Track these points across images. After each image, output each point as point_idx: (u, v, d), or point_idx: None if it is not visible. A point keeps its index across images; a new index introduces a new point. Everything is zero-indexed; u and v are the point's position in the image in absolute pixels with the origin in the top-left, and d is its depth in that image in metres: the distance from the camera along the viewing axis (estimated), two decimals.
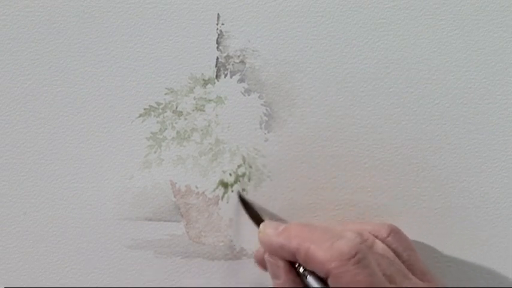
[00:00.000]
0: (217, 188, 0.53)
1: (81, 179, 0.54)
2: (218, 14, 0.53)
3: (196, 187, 0.53)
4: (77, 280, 0.54)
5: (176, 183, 0.54)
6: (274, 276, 0.47)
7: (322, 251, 0.43)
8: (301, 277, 0.46)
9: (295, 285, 0.46)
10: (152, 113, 0.53)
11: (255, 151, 0.53)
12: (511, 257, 0.54)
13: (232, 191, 0.53)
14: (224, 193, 0.53)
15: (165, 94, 0.53)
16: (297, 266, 0.46)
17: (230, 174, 0.53)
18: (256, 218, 0.51)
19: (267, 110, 0.53)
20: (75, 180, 0.54)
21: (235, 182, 0.53)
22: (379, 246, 0.47)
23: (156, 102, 0.53)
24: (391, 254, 0.47)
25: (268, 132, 0.53)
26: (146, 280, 0.54)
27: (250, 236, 0.53)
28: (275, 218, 0.53)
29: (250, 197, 0.53)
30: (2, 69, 0.53)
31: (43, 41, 0.53)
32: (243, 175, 0.53)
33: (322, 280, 0.44)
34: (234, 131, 0.53)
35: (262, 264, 0.49)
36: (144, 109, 0.53)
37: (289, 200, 0.53)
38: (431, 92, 0.53)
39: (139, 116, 0.53)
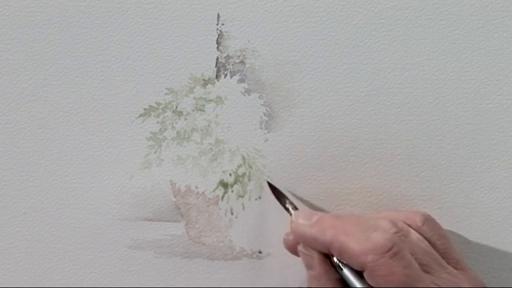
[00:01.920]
0: (217, 188, 0.53)
1: (81, 179, 0.54)
2: (218, 14, 0.53)
3: (196, 187, 0.53)
4: (77, 280, 0.54)
5: (176, 183, 0.54)
6: (308, 266, 0.47)
7: (357, 244, 0.43)
8: (336, 269, 0.45)
9: (330, 276, 0.45)
10: (152, 113, 0.53)
11: (255, 151, 0.53)
12: (511, 257, 0.54)
13: (232, 191, 0.53)
14: (224, 193, 0.53)
15: (165, 94, 0.53)
16: (334, 259, 0.45)
17: (230, 174, 0.53)
18: (289, 206, 0.50)
19: (267, 110, 0.53)
20: (75, 180, 0.54)
21: (235, 182, 0.53)
22: (414, 235, 0.46)
23: (156, 102, 0.53)
24: (426, 244, 0.46)
25: (268, 132, 0.53)
26: (146, 280, 0.54)
27: (274, 239, 0.53)
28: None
29: (247, 196, 0.53)
30: (2, 69, 0.53)
31: (43, 41, 0.53)
32: (243, 175, 0.53)
33: (358, 272, 0.44)
34: (234, 131, 0.53)
35: (293, 251, 0.48)
36: (144, 109, 0.53)
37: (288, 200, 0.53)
38: (431, 92, 0.53)
39: (139, 116, 0.53)
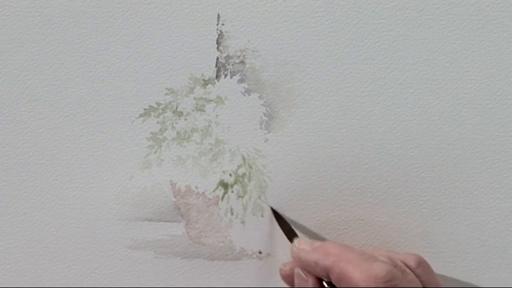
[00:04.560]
0: (217, 188, 0.53)
1: (81, 179, 0.54)
2: (218, 14, 0.53)
3: (196, 187, 0.53)
4: (77, 280, 0.54)
5: (176, 183, 0.54)
6: None
7: (359, 272, 0.44)
8: None
9: None
10: (152, 113, 0.53)
11: (255, 151, 0.53)
12: (511, 257, 0.54)
13: (232, 192, 0.53)
14: (224, 193, 0.53)
15: (165, 94, 0.53)
16: (325, 285, 0.46)
17: (230, 175, 0.53)
18: (289, 232, 0.52)
19: (267, 110, 0.53)
20: (75, 180, 0.54)
21: (235, 182, 0.53)
22: (410, 275, 0.47)
23: (156, 103, 0.53)
24: (419, 285, 0.47)
25: (268, 132, 0.53)
26: (146, 280, 0.54)
27: (274, 239, 0.53)
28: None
29: (248, 196, 0.53)
30: (2, 69, 0.53)
31: (43, 41, 0.53)
32: (243, 175, 0.53)
33: None
34: (234, 131, 0.53)
35: (287, 279, 0.50)
36: (144, 109, 0.53)
37: (288, 200, 0.53)
38: (431, 92, 0.53)
39: (139, 116, 0.53)
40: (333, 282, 0.45)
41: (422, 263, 0.48)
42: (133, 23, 0.53)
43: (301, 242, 0.49)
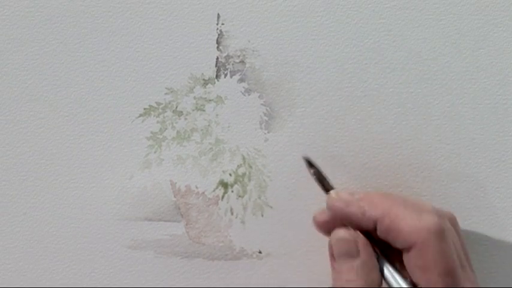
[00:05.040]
0: (217, 188, 0.53)
1: (81, 179, 0.54)
2: (218, 14, 0.53)
3: (196, 187, 0.53)
4: (77, 280, 0.54)
5: (176, 183, 0.54)
6: (349, 255, 0.46)
7: (409, 221, 0.43)
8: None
9: (375, 264, 0.45)
10: (152, 113, 0.53)
11: (255, 151, 0.53)
12: (511, 257, 0.54)
13: (232, 191, 0.53)
14: (224, 193, 0.53)
15: (165, 94, 0.53)
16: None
17: (230, 174, 0.53)
18: (325, 184, 0.50)
19: (267, 110, 0.53)
20: (75, 180, 0.54)
21: (235, 182, 0.53)
22: (451, 230, 0.46)
23: (156, 102, 0.53)
24: (458, 241, 0.47)
25: (268, 132, 0.53)
26: (146, 280, 0.54)
27: (274, 239, 0.53)
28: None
29: (247, 196, 0.53)
30: (2, 69, 0.53)
31: (43, 41, 0.53)
32: (243, 175, 0.53)
33: (391, 261, 0.44)
34: (234, 131, 0.53)
35: (324, 227, 0.48)
36: (144, 109, 0.53)
37: (288, 200, 0.53)
38: (431, 92, 0.53)
39: (139, 116, 0.53)
40: (379, 234, 0.45)
41: (455, 220, 0.48)
42: (134, 23, 0.53)
43: (341, 193, 0.47)
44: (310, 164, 0.51)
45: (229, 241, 0.54)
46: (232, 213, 0.54)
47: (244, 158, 0.53)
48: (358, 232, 0.46)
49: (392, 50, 0.53)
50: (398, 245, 0.44)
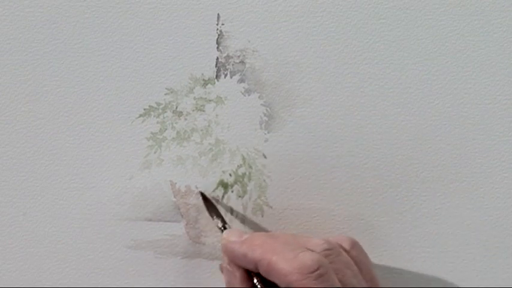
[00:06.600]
0: (217, 188, 0.53)
1: (81, 179, 0.54)
2: (218, 14, 0.53)
3: (196, 187, 0.53)
4: (77, 280, 0.54)
5: (176, 183, 0.54)
6: (229, 284, 0.47)
7: (285, 263, 0.43)
8: None
9: None
10: (152, 113, 0.53)
11: (255, 151, 0.53)
12: (511, 257, 0.54)
13: (232, 191, 0.53)
14: (224, 193, 0.53)
15: (165, 94, 0.53)
16: (254, 280, 0.46)
17: (230, 175, 0.53)
18: (220, 222, 0.51)
19: (267, 110, 0.53)
20: (75, 180, 0.54)
21: (235, 182, 0.53)
22: (345, 257, 0.47)
23: (156, 103, 0.53)
24: (355, 268, 0.46)
25: (268, 132, 0.53)
26: (146, 280, 0.54)
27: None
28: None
29: (247, 196, 0.53)
30: (2, 69, 0.53)
31: (43, 41, 0.53)
32: (243, 175, 0.53)
33: None
34: (234, 131, 0.53)
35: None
36: (144, 109, 0.53)
37: (288, 200, 0.53)
38: (431, 92, 0.53)
39: (139, 116, 0.53)
40: (263, 275, 0.45)
41: (355, 245, 0.48)
42: (134, 23, 0.53)
43: (231, 234, 0.48)
44: (206, 201, 0.52)
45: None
46: (232, 214, 0.54)
47: (244, 158, 0.53)
48: (236, 269, 0.47)
49: (392, 50, 0.53)
50: (281, 285, 0.44)
